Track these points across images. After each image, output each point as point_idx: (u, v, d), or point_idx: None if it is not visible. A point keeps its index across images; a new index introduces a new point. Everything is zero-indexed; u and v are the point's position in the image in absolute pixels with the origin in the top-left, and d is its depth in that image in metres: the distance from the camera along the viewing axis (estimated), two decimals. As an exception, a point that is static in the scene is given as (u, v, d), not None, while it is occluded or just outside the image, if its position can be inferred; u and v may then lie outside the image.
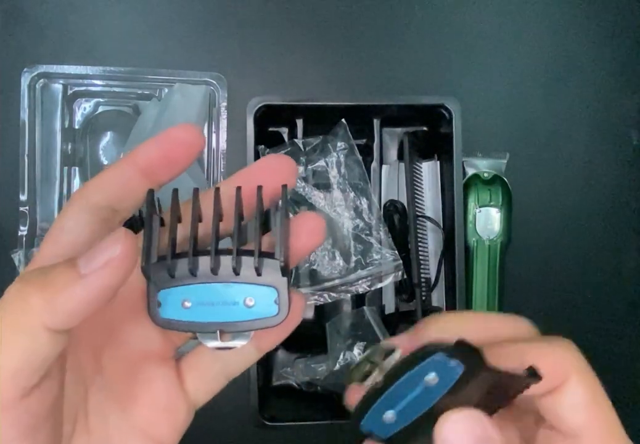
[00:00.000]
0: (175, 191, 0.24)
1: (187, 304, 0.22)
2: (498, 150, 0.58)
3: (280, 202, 0.23)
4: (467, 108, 0.53)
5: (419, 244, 0.56)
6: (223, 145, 0.58)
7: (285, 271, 0.22)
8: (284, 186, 0.24)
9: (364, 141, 0.58)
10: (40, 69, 0.55)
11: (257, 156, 0.53)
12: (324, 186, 0.55)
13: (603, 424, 0.22)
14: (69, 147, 0.58)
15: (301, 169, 0.55)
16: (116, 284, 0.19)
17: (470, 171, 0.58)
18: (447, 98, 0.52)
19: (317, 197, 0.55)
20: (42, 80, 0.56)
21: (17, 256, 0.55)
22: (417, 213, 0.56)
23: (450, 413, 0.20)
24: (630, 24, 0.62)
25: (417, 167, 0.57)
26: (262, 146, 0.55)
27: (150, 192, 0.23)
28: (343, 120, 0.55)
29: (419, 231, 0.56)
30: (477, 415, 0.20)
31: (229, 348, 0.23)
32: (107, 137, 0.58)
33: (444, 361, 0.20)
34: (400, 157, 0.58)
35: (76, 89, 0.58)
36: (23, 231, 0.56)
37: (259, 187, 0.24)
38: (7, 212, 0.56)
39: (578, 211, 0.61)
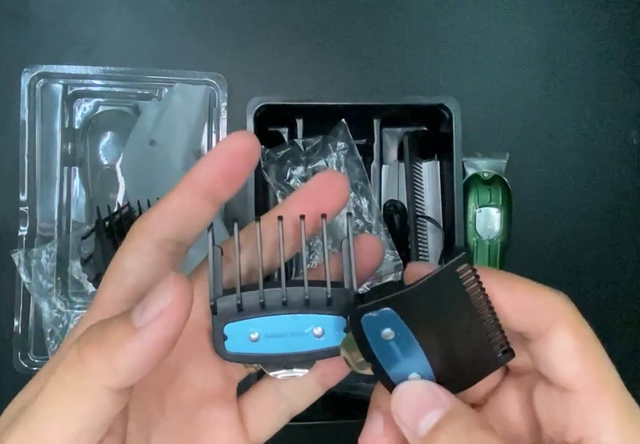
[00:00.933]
0: (235, 220, 0.23)
1: (254, 336, 0.22)
2: (498, 150, 0.58)
3: (346, 231, 0.24)
4: (467, 108, 0.53)
5: (419, 244, 0.55)
6: None
7: (355, 299, 0.22)
8: (349, 214, 0.23)
9: (364, 141, 0.58)
10: (40, 69, 0.56)
11: (257, 156, 0.53)
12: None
13: (597, 376, 0.21)
14: (69, 147, 0.58)
15: (301, 169, 0.55)
16: (172, 335, 0.18)
17: (470, 171, 0.58)
18: (447, 98, 0.52)
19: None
20: (42, 80, 0.56)
21: (17, 256, 0.55)
22: (417, 213, 0.56)
23: (397, 387, 0.21)
24: (630, 24, 0.62)
25: (417, 167, 0.57)
26: (262, 146, 0.55)
27: (211, 226, 0.23)
28: (343, 120, 0.55)
29: (419, 231, 0.56)
30: (423, 382, 0.21)
31: (293, 376, 0.23)
32: (107, 137, 0.58)
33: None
34: (400, 157, 0.58)
35: (76, 89, 0.58)
36: (23, 231, 0.56)
37: (323, 216, 0.23)
38: (7, 212, 0.56)
39: (578, 210, 0.61)
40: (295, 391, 0.25)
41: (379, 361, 0.22)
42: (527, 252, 0.60)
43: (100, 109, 0.58)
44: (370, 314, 0.21)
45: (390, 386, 0.22)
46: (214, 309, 0.22)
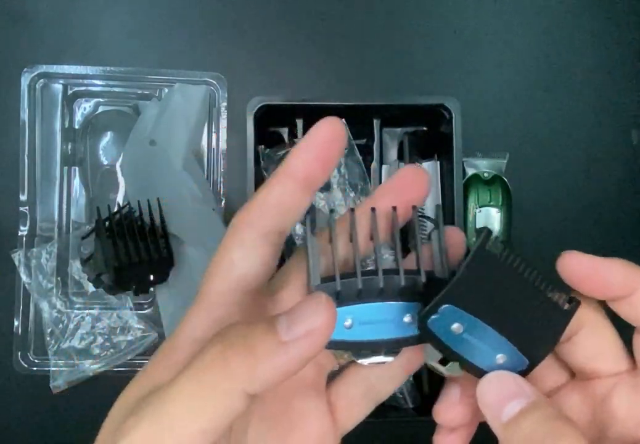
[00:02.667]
0: (333, 212, 0.24)
1: (348, 323, 0.23)
2: (498, 150, 0.58)
3: (437, 220, 0.25)
4: (467, 108, 0.52)
5: (419, 244, 0.55)
6: (223, 145, 0.58)
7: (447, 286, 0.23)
8: (438, 206, 0.25)
9: (364, 141, 0.58)
10: (40, 69, 0.56)
11: (257, 156, 0.53)
12: (324, 185, 0.55)
13: None
14: (69, 147, 0.58)
15: (301, 169, 0.56)
16: (315, 354, 0.19)
17: (470, 171, 0.58)
18: (447, 98, 0.52)
19: (317, 197, 0.55)
20: (42, 80, 0.56)
21: (17, 256, 0.55)
22: (417, 213, 0.56)
23: (486, 375, 0.22)
24: (630, 24, 0.61)
25: (417, 167, 0.57)
26: (262, 146, 0.55)
27: (307, 215, 0.24)
28: (343, 120, 0.54)
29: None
30: (508, 374, 0.22)
31: (382, 363, 0.24)
32: (107, 137, 0.58)
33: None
34: (400, 157, 0.58)
35: (76, 89, 0.58)
36: (23, 231, 0.56)
37: (414, 207, 0.24)
38: (7, 212, 0.56)
39: (578, 211, 0.61)
40: (382, 378, 0.26)
41: (462, 355, 0.22)
42: (527, 252, 0.60)
43: (100, 109, 0.58)
44: (433, 317, 0.22)
45: (481, 373, 0.23)
46: None
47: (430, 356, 0.23)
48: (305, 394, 0.25)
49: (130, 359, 0.56)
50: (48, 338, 0.56)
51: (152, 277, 0.53)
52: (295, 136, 0.56)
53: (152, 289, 0.55)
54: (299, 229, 0.55)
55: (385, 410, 0.54)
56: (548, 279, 0.22)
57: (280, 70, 0.60)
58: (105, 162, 0.58)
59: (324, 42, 0.60)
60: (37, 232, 0.57)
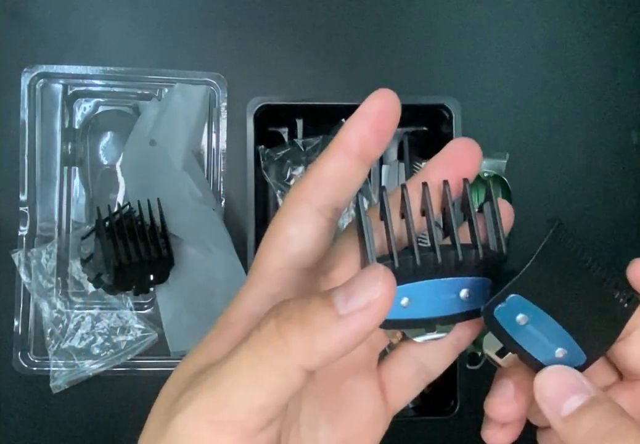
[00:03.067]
0: (383, 188, 0.23)
1: (405, 302, 0.22)
2: (498, 150, 0.58)
3: (489, 192, 0.24)
4: (467, 108, 0.53)
5: (419, 244, 0.55)
6: (223, 145, 0.58)
7: (502, 260, 0.23)
8: (489, 177, 0.24)
9: (364, 141, 0.58)
10: (40, 69, 0.56)
11: (257, 156, 0.53)
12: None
13: None
14: (69, 147, 0.58)
15: (301, 169, 0.55)
16: (374, 327, 0.18)
17: (470, 171, 0.57)
18: (447, 98, 0.52)
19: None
20: (42, 80, 0.56)
21: (17, 256, 0.55)
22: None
23: (544, 369, 0.22)
24: (630, 24, 0.62)
25: (417, 167, 0.57)
26: (262, 146, 0.55)
27: (360, 190, 0.23)
28: (343, 120, 0.55)
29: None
30: (567, 368, 0.22)
31: (436, 339, 0.24)
32: (107, 137, 0.58)
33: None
34: (400, 157, 0.58)
35: (76, 89, 0.58)
36: (23, 231, 0.56)
37: (465, 180, 0.24)
38: (7, 212, 0.56)
39: (578, 210, 0.61)
40: (432, 357, 0.25)
41: (523, 347, 0.22)
42: (527, 252, 0.60)
43: (100, 109, 0.58)
44: (500, 305, 0.21)
45: (539, 367, 0.22)
46: None
47: (489, 345, 0.23)
48: (358, 374, 0.24)
49: (130, 359, 0.56)
50: (48, 338, 0.56)
51: (152, 277, 0.53)
52: (295, 136, 0.56)
53: (152, 289, 0.55)
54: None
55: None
56: (612, 275, 0.22)
57: (280, 70, 0.60)
58: (105, 162, 0.58)
59: (323, 42, 0.60)
60: (37, 232, 0.57)
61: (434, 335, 0.24)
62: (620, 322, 0.22)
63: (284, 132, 0.59)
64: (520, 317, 0.22)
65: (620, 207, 0.61)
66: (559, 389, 0.22)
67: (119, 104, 0.58)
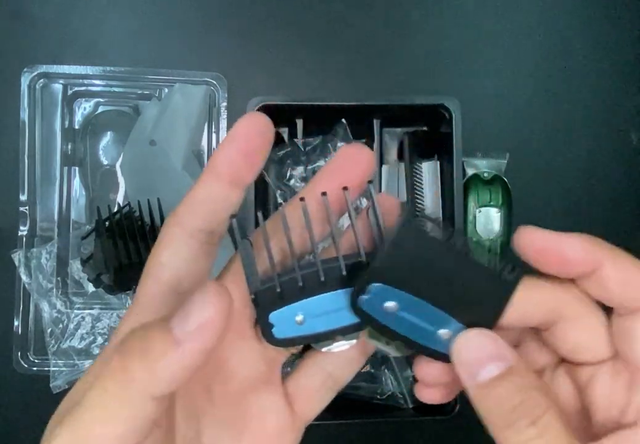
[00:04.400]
0: (234, 216, 0.23)
1: (299, 319, 0.23)
2: (498, 150, 0.58)
3: (372, 197, 0.22)
4: (467, 108, 0.53)
5: (419, 244, 0.55)
6: None
7: (371, 265, 0.22)
8: (370, 182, 0.23)
9: (364, 141, 0.58)
10: (40, 69, 0.56)
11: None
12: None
13: None
14: (69, 147, 0.58)
15: (301, 169, 0.55)
16: (212, 346, 0.18)
17: (470, 171, 0.58)
18: (447, 98, 0.52)
19: (317, 197, 0.55)
20: (42, 80, 0.56)
21: (17, 256, 0.55)
22: (417, 213, 0.56)
23: (466, 331, 0.21)
24: (630, 24, 0.62)
25: (417, 167, 0.57)
26: (262, 146, 0.55)
27: (234, 216, 0.23)
28: (343, 120, 0.55)
29: (419, 231, 0.56)
30: (489, 334, 0.21)
31: (345, 348, 0.24)
32: (107, 137, 0.58)
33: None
34: (400, 157, 0.58)
35: (76, 89, 0.58)
36: (23, 231, 0.56)
37: (345, 188, 0.23)
38: (7, 212, 0.56)
39: (578, 210, 0.61)
40: (339, 365, 0.25)
41: (402, 333, 0.22)
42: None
43: (100, 109, 0.58)
44: (364, 297, 0.21)
45: (431, 353, 0.22)
46: (255, 302, 0.22)
47: (373, 336, 0.23)
48: (259, 390, 0.24)
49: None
50: (48, 338, 0.56)
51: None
52: (295, 136, 0.56)
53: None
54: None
55: (385, 410, 0.54)
56: (486, 251, 0.21)
57: (280, 70, 0.60)
58: (105, 162, 0.58)
59: (324, 42, 0.60)
60: (37, 232, 0.57)
61: (340, 345, 0.24)
62: (506, 294, 0.21)
63: (284, 132, 0.59)
64: (389, 305, 0.21)
65: (621, 207, 0.61)
66: (477, 355, 0.21)
67: (119, 104, 0.59)
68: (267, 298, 0.22)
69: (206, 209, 0.22)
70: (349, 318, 0.23)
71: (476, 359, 0.21)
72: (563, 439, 0.20)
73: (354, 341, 0.24)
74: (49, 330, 0.56)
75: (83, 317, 0.57)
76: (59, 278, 0.57)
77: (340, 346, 0.24)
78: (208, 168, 0.22)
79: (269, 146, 0.22)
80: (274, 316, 0.23)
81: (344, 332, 0.23)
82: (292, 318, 0.22)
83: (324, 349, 0.24)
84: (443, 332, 0.22)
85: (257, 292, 0.22)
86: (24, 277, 0.55)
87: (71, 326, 0.56)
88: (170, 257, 0.22)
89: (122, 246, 0.51)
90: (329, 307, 0.23)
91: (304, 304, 0.22)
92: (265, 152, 0.22)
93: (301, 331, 0.23)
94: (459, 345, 0.21)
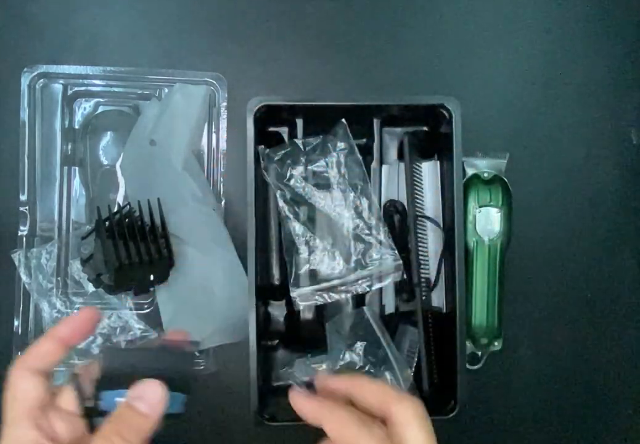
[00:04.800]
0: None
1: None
2: (498, 150, 0.58)
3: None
4: (467, 108, 0.52)
5: (419, 244, 0.55)
6: (223, 145, 0.58)
7: None
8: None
9: (364, 141, 0.58)
10: (40, 69, 0.56)
11: (257, 156, 0.53)
12: (324, 186, 0.55)
13: None
14: (69, 147, 0.58)
15: (301, 169, 0.55)
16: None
17: (470, 171, 0.58)
18: (447, 98, 0.52)
19: (317, 197, 0.55)
20: (42, 80, 0.56)
21: (17, 256, 0.55)
22: (417, 213, 0.56)
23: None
24: (629, 24, 0.62)
25: (417, 167, 0.57)
26: (262, 146, 0.55)
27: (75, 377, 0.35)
28: (343, 120, 0.55)
29: (419, 231, 0.56)
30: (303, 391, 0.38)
31: None
32: (107, 137, 0.58)
33: None
34: (400, 157, 0.58)
35: (76, 89, 0.58)
36: (23, 231, 0.56)
37: None
38: (7, 212, 0.56)
39: (578, 210, 0.61)
40: None
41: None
42: (527, 252, 0.60)
43: (101, 109, 0.58)
44: (100, 402, 0.34)
45: None
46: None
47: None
48: None
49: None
50: None
51: (152, 277, 0.53)
52: (295, 136, 0.56)
53: (152, 289, 0.55)
54: (298, 228, 0.55)
55: (385, 410, 0.54)
56: None
57: (280, 70, 0.60)
58: (105, 162, 0.58)
59: (323, 42, 0.60)
60: (37, 232, 0.57)
61: None
62: None
63: (284, 132, 0.59)
64: (118, 399, 0.33)
65: (620, 207, 0.61)
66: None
67: (119, 104, 0.59)
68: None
69: (48, 359, 0.34)
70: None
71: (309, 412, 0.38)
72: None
73: None
74: (48, 329, 0.56)
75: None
76: (59, 278, 0.57)
77: None
78: (49, 332, 0.35)
79: (93, 330, 0.37)
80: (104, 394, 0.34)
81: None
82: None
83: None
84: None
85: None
86: (24, 277, 0.56)
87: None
88: (23, 393, 0.33)
89: (122, 246, 0.51)
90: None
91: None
92: (90, 332, 0.37)
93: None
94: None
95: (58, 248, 0.57)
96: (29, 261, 0.56)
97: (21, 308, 0.56)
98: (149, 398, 0.32)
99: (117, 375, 0.33)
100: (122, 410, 0.32)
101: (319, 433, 0.55)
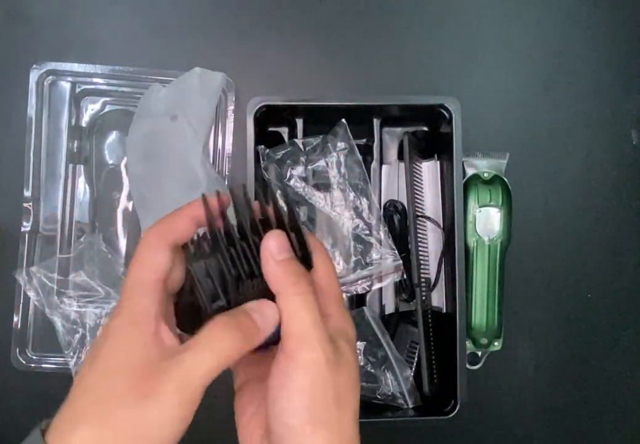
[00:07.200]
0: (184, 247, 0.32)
1: None
2: (498, 150, 0.58)
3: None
4: (467, 108, 0.53)
5: (419, 244, 0.55)
6: (229, 147, 0.58)
7: None
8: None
9: (364, 141, 0.58)
10: (48, 66, 0.56)
11: (257, 156, 0.53)
12: (324, 186, 0.56)
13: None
14: (75, 145, 0.58)
15: (301, 169, 0.56)
16: None
17: (470, 171, 0.58)
18: (447, 98, 0.53)
19: (317, 197, 0.55)
20: (50, 78, 0.57)
21: (21, 276, 0.55)
22: (417, 213, 0.56)
23: (271, 231, 0.31)
24: (629, 24, 0.62)
25: (417, 167, 0.57)
26: (262, 146, 0.55)
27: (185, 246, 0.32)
28: (343, 120, 0.55)
29: (419, 231, 0.56)
30: (284, 235, 0.31)
31: None
32: (112, 137, 0.59)
33: None
34: (400, 157, 0.58)
35: (84, 87, 0.58)
36: (26, 227, 0.56)
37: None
38: (11, 208, 0.57)
39: (578, 210, 0.61)
40: None
41: None
42: (527, 252, 0.60)
43: (107, 108, 0.59)
44: None
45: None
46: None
47: None
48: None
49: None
50: (66, 351, 0.55)
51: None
52: (295, 136, 0.57)
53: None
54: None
55: (385, 410, 0.54)
56: None
57: (280, 71, 0.60)
58: (110, 162, 0.59)
59: (324, 43, 0.61)
60: (40, 230, 0.57)
61: None
62: None
63: (284, 132, 0.59)
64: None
65: (620, 207, 0.61)
66: (278, 244, 0.31)
67: (125, 104, 0.59)
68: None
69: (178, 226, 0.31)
70: None
71: (277, 246, 0.31)
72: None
73: None
74: (66, 341, 0.55)
75: (98, 324, 0.56)
76: (63, 290, 0.56)
77: None
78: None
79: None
80: None
81: None
82: None
83: None
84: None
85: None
86: (31, 295, 0.55)
87: (88, 336, 0.56)
88: (152, 261, 0.30)
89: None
90: None
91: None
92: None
93: None
94: (269, 239, 0.31)
95: (59, 260, 0.56)
96: (31, 278, 0.55)
97: (21, 305, 0.56)
98: (267, 316, 0.30)
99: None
100: (239, 314, 0.30)
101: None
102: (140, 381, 0.26)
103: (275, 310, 0.30)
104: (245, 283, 0.31)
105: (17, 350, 0.56)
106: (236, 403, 0.34)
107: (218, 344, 0.28)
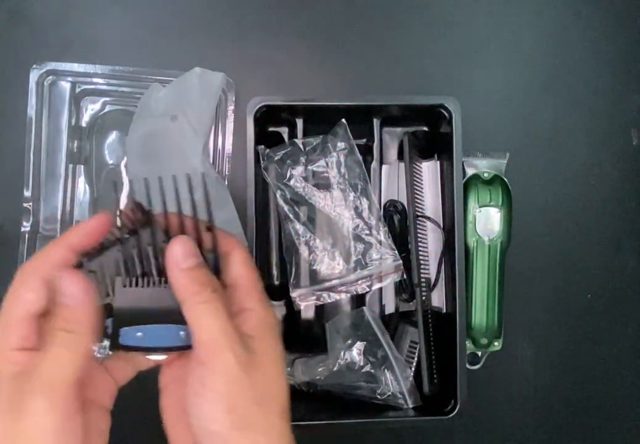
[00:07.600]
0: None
1: (140, 335, 0.33)
2: (498, 150, 0.58)
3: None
4: (467, 108, 0.53)
5: (419, 244, 0.55)
6: (229, 148, 0.58)
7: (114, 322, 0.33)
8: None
9: (364, 141, 0.58)
10: (49, 66, 0.56)
11: (257, 156, 0.53)
12: (324, 186, 0.56)
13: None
14: (75, 145, 0.58)
15: (301, 169, 0.56)
16: None
17: (470, 171, 0.58)
18: (447, 98, 0.53)
19: (317, 197, 0.55)
20: (50, 78, 0.57)
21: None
22: (417, 213, 0.56)
23: (176, 237, 0.32)
24: (629, 24, 0.62)
25: (417, 167, 0.58)
26: (262, 146, 0.55)
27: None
28: (343, 120, 0.55)
29: (419, 231, 0.56)
30: (191, 241, 0.32)
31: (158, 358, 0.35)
32: (113, 137, 0.59)
33: None
34: (400, 157, 0.58)
35: (84, 87, 0.58)
36: (26, 227, 0.56)
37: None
38: (11, 208, 0.57)
39: (578, 210, 0.61)
40: (144, 362, 0.36)
41: (157, 346, 0.33)
42: (527, 252, 0.60)
43: (107, 108, 0.59)
44: (122, 337, 0.32)
45: (177, 348, 0.33)
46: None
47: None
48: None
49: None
50: None
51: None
52: (295, 136, 0.57)
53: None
54: (298, 228, 0.55)
55: (385, 410, 0.54)
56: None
57: (280, 71, 0.60)
58: (110, 162, 0.59)
59: (324, 43, 0.61)
60: (40, 231, 0.57)
61: (159, 356, 0.34)
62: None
63: (284, 132, 0.59)
64: (138, 335, 0.32)
65: (620, 207, 0.61)
66: (184, 251, 0.32)
67: (125, 104, 0.59)
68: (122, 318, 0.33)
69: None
70: (174, 341, 0.33)
71: (183, 253, 0.31)
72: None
73: (165, 356, 0.34)
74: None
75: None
76: None
77: (158, 356, 0.34)
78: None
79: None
80: (122, 330, 0.32)
81: (167, 350, 0.33)
82: (135, 334, 0.32)
83: (148, 356, 0.34)
84: (182, 333, 0.32)
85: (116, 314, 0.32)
86: None
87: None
88: (20, 298, 0.30)
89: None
90: (164, 332, 0.33)
91: (145, 328, 0.32)
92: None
93: (140, 342, 0.32)
94: (174, 245, 0.32)
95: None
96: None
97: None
98: (69, 291, 0.30)
99: (132, 313, 0.32)
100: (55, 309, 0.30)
101: (320, 433, 0.55)
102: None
103: (78, 285, 0.30)
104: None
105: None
106: (161, 402, 0.35)
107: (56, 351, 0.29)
